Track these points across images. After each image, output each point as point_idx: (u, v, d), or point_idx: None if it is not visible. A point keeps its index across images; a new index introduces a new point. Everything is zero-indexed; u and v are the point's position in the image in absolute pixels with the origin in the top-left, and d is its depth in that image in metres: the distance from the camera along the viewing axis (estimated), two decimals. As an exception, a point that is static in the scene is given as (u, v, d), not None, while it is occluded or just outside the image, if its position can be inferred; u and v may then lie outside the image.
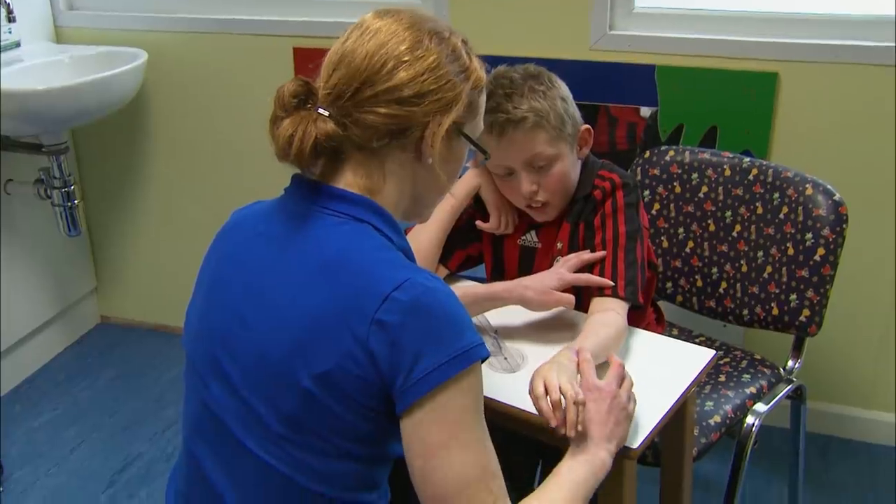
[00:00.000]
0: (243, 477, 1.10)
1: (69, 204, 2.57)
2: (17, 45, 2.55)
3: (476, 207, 1.67)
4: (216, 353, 1.12)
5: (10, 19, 2.48)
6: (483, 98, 1.19)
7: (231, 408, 1.10)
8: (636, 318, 1.58)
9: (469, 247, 1.69)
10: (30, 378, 2.77)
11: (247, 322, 1.10)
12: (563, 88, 1.56)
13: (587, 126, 1.58)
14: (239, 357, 1.10)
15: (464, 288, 1.52)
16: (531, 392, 1.24)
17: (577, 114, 1.57)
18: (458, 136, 1.15)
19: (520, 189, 1.54)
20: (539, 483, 1.73)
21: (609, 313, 1.46)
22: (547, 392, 1.21)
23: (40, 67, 2.51)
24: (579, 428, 1.18)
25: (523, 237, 1.65)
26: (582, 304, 1.53)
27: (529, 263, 1.65)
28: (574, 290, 1.51)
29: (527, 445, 1.60)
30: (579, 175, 1.59)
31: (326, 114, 1.08)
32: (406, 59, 1.08)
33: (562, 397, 1.20)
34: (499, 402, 1.33)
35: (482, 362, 1.06)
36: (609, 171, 1.59)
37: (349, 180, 1.12)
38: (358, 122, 1.08)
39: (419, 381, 1.01)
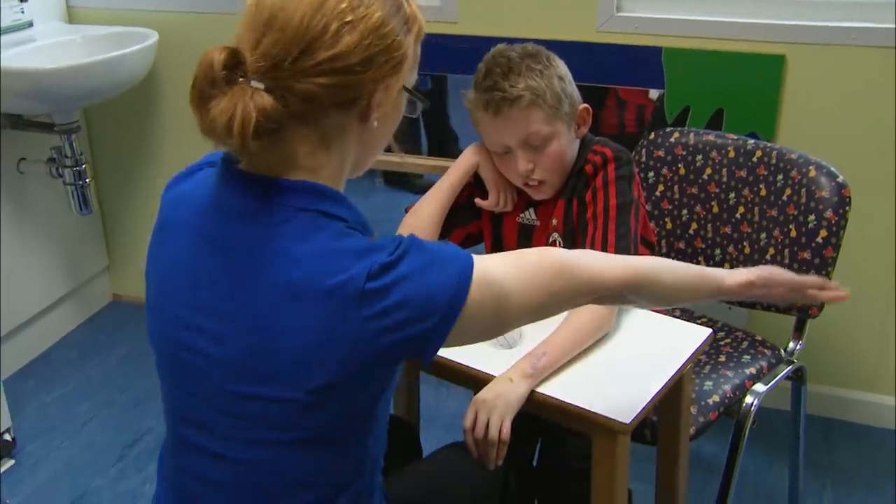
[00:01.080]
0: (227, 474, 1.08)
1: (81, 183, 2.60)
2: (30, 24, 2.57)
3: (476, 185, 1.68)
4: (186, 367, 1.07)
5: (23, -1, 2.50)
6: (419, 45, 1.10)
7: (209, 416, 1.06)
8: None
9: (469, 225, 1.70)
10: (43, 354, 2.81)
11: (219, 342, 1.03)
12: (562, 67, 1.56)
13: (585, 105, 1.59)
14: (216, 376, 1.04)
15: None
16: (463, 420, 1.33)
17: (576, 93, 1.58)
18: (401, 90, 1.07)
19: (516, 167, 1.55)
20: (538, 461, 1.76)
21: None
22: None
23: (52, 47, 2.53)
24: (499, 463, 1.31)
25: (522, 215, 1.67)
26: None
27: (528, 241, 1.66)
28: None
29: (526, 423, 1.62)
30: (576, 153, 1.60)
31: (262, 87, 0.96)
32: (349, 19, 0.97)
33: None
34: (492, 375, 1.36)
35: (472, 268, 1.03)
36: (602, 146, 1.59)
37: (292, 161, 1.02)
38: (299, 94, 0.97)
39: (432, 339, 1.00)
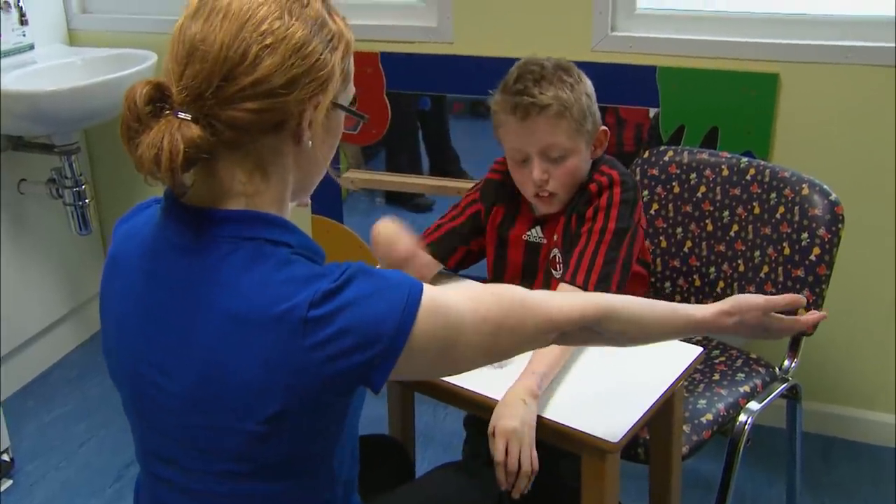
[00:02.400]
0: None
1: (80, 203, 2.62)
2: (31, 47, 2.60)
3: (482, 200, 1.69)
4: (146, 403, 1.07)
5: (23, 22, 2.53)
6: (352, 59, 1.07)
7: (173, 450, 1.07)
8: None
9: (471, 242, 1.70)
10: (43, 374, 2.82)
11: (170, 376, 1.02)
12: (590, 86, 1.58)
13: (605, 128, 1.60)
14: (171, 409, 1.04)
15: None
16: (493, 451, 1.30)
17: (598, 114, 1.59)
18: (335, 108, 1.05)
19: (531, 176, 1.55)
20: (532, 481, 1.75)
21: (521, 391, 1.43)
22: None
23: (53, 69, 2.56)
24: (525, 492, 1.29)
25: (529, 232, 1.67)
26: (552, 286, 1.55)
27: (535, 259, 1.66)
28: (539, 271, 1.52)
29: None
30: (588, 173, 1.60)
31: (188, 117, 0.95)
32: (268, 42, 0.95)
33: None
34: (486, 396, 1.35)
35: (421, 294, 1.00)
36: (610, 167, 1.60)
37: (228, 189, 1.00)
38: (226, 122, 0.96)
39: (380, 366, 0.97)
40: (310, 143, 1.02)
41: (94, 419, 2.58)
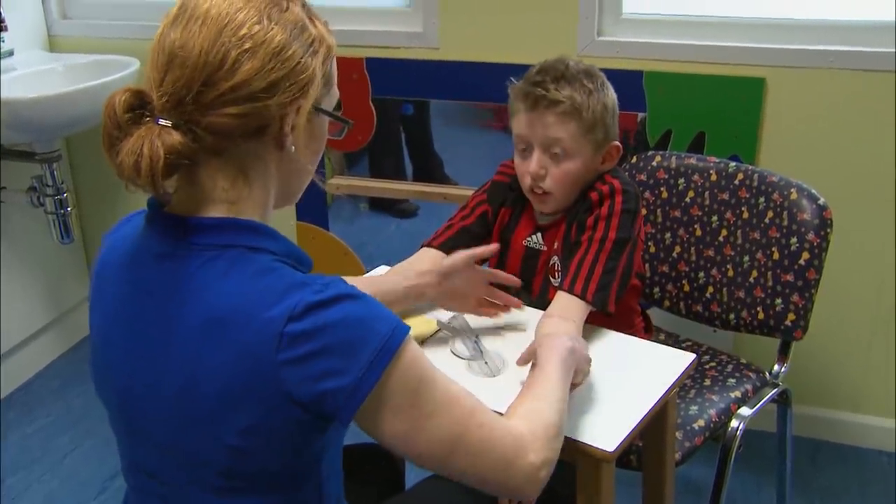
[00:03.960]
0: None
1: (62, 212, 2.58)
2: (11, 53, 2.56)
3: (488, 202, 1.68)
4: (132, 416, 1.05)
5: (2, 28, 2.49)
6: (334, 64, 1.07)
7: (158, 464, 1.05)
8: (623, 326, 1.60)
9: (482, 242, 1.66)
10: (24, 385, 2.78)
11: (154, 388, 1.01)
12: (612, 99, 1.56)
13: (618, 144, 1.59)
14: (157, 422, 1.02)
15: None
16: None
17: (615, 129, 1.58)
18: (317, 113, 1.04)
19: (528, 167, 1.55)
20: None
21: (561, 323, 1.44)
22: None
23: (34, 76, 2.52)
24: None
25: (529, 238, 1.66)
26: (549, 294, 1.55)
27: (533, 266, 1.65)
28: (538, 275, 1.52)
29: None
30: (590, 182, 1.59)
31: (169, 124, 0.94)
32: (247, 46, 0.95)
33: None
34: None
35: (406, 336, 0.98)
36: (612, 177, 1.58)
37: (210, 196, 1.00)
38: (207, 127, 0.95)
39: (350, 397, 0.94)
40: (292, 147, 1.01)
41: (77, 430, 2.55)
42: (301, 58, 0.98)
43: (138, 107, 0.95)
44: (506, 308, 1.56)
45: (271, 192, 1.04)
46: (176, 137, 0.93)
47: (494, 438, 1.04)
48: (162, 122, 0.94)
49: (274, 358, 0.92)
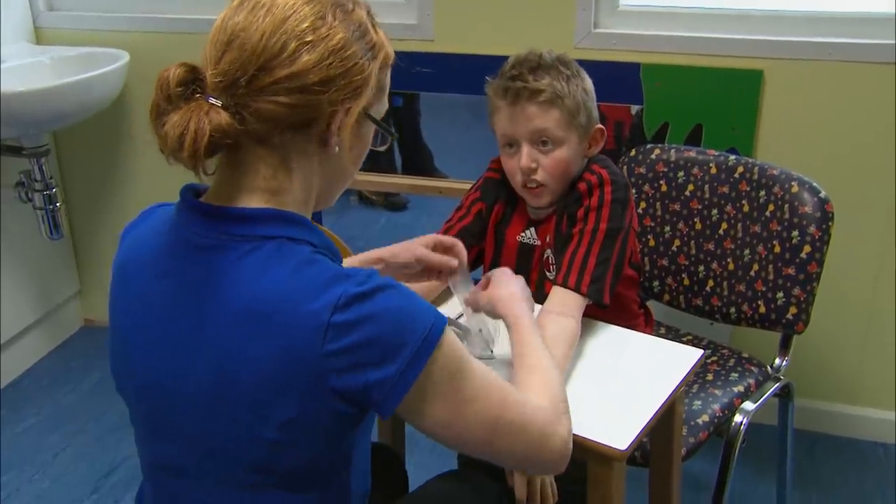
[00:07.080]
0: None
1: (51, 207, 2.55)
2: (-3, 46, 2.52)
3: (483, 199, 1.67)
4: (160, 411, 1.04)
5: (-12, 20, 2.45)
6: (389, 75, 1.08)
7: (185, 460, 1.04)
8: (624, 319, 1.59)
9: (470, 251, 1.65)
10: (13, 382, 2.74)
11: (186, 379, 1.00)
12: (589, 83, 1.56)
13: (601, 127, 1.58)
14: (187, 415, 1.01)
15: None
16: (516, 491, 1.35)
17: (596, 112, 1.57)
18: (366, 119, 1.05)
19: (518, 163, 1.53)
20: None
21: (561, 319, 1.43)
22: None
23: (20, 69, 2.48)
24: None
25: (523, 233, 1.65)
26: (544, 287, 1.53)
27: (528, 261, 1.64)
28: (534, 270, 1.52)
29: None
30: (581, 169, 1.58)
31: (219, 104, 0.95)
32: (309, 38, 0.96)
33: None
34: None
35: (445, 326, 0.99)
36: (601, 167, 1.57)
37: (251, 183, 1.00)
38: (256, 113, 0.96)
39: (395, 387, 0.95)
40: (336, 148, 1.01)
41: (68, 428, 2.51)
42: (359, 59, 0.99)
43: (191, 82, 0.96)
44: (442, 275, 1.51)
45: (313, 189, 1.05)
46: (224, 117, 0.94)
47: (527, 416, 1.06)
48: (212, 100, 0.95)
49: (319, 349, 0.92)
